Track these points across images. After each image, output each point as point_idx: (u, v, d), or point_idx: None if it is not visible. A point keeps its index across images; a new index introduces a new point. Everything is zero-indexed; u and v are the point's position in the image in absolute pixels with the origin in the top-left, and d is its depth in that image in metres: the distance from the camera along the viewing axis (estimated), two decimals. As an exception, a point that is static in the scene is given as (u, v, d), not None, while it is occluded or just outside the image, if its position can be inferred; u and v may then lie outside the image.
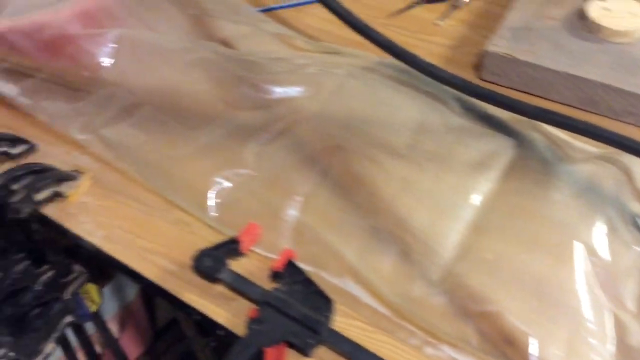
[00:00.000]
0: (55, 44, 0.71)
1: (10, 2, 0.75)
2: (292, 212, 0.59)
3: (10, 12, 0.74)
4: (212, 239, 0.60)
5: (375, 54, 0.75)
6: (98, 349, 0.98)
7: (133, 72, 0.70)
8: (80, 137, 0.68)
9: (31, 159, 0.68)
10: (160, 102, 0.68)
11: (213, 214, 0.61)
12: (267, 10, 0.93)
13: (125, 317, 1.06)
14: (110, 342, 0.95)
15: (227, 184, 0.62)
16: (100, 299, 0.77)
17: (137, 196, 0.64)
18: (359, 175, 0.60)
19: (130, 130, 0.68)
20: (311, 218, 0.59)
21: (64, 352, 0.92)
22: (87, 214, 0.63)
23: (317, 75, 0.69)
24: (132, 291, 1.08)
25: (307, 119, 0.65)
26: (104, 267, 0.75)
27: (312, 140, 0.64)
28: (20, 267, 0.73)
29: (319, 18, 0.91)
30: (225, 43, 0.80)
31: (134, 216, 0.62)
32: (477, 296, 0.52)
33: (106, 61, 0.70)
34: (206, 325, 0.54)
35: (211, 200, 0.61)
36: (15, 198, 0.58)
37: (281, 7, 0.94)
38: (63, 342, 0.93)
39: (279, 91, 0.68)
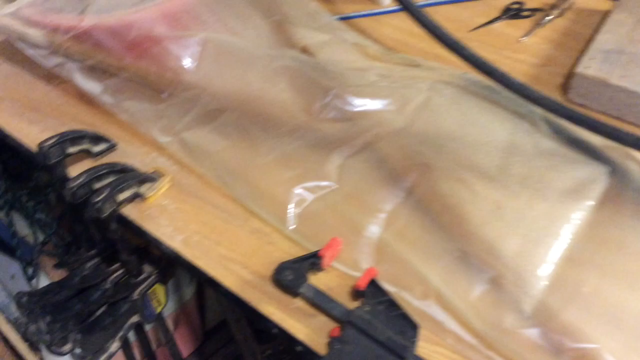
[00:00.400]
0: (140, 44, 0.71)
1: (89, 5, 0.76)
2: (374, 229, 0.58)
3: (96, 8, 0.75)
4: (290, 251, 0.59)
5: (455, 68, 0.73)
6: (153, 345, 0.99)
7: (216, 77, 0.69)
8: (161, 139, 0.68)
9: (111, 157, 0.68)
10: (242, 108, 0.68)
11: (292, 225, 0.60)
12: (345, 19, 0.92)
13: (181, 315, 1.06)
14: (169, 340, 0.96)
15: (307, 196, 0.61)
16: (166, 300, 0.77)
17: (215, 202, 0.64)
18: (446, 196, 0.58)
19: (211, 135, 0.67)
20: (394, 237, 0.57)
21: (122, 348, 0.93)
22: (166, 217, 0.62)
23: (401, 88, 0.67)
24: (189, 291, 1.08)
25: (391, 134, 0.64)
26: (168, 267, 0.74)
27: (396, 156, 0.62)
28: (92, 263, 0.73)
29: (397, 29, 0.90)
30: (306, 51, 0.79)
31: (212, 222, 0.62)
32: (573, 332, 0.49)
33: (190, 64, 0.70)
34: (263, 333, 0.53)
35: (291, 211, 0.60)
36: (97, 198, 0.58)
37: (359, 16, 0.92)
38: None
39: (363, 104, 0.67)
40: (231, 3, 0.79)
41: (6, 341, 0.91)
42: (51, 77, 0.77)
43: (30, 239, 1.05)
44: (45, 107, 0.76)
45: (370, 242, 0.58)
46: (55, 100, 0.77)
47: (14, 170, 0.99)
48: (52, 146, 0.62)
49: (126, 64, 0.72)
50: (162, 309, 0.79)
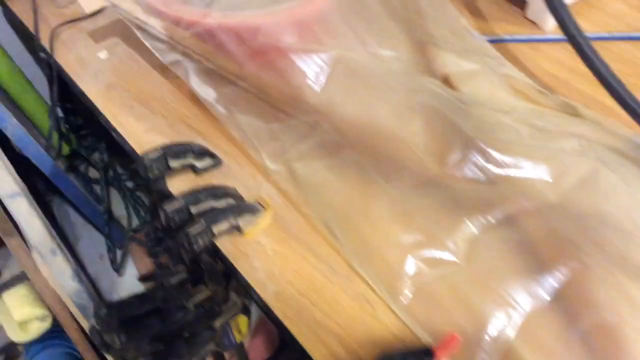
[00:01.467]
0: (265, 53, 0.63)
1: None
2: (503, 329, 0.47)
3: (221, 5, 0.67)
4: (396, 331, 0.50)
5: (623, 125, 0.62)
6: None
7: (342, 104, 0.60)
8: (270, 164, 0.61)
9: (215, 175, 0.62)
10: (366, 146, 0.59)
11: (403, 301, 0.50)
12: (497, 42, 0.79)
13: (258, 325, 1.01)
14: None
15: (426, 269, 0.51)
16: (247, 331, 0.70)
17: (318, 250, 0.56)
18: (602, 310, 0.46)
19: (325, 172, 0.59)
20: (528, 345, 0.46)
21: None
22: (261, 259, 0.55)
23: (562, 153, 0.55)
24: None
25: (541, 211, 0.52)
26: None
27: (544, 241, 0.51)
28: (177, 278, 0.68)
29: (557, 62, 0.76)
30: (448, 80, 0.68)
31: (311, 275, 0.54)
32: None
33: (316, 84, 0.61)
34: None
35: (403, 283, 0.51)
36: (193, 231, 0.52)
37: (513, 41, 0.79)
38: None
39: (510, 165, 0.55)
40: (370, 15, 0.69)
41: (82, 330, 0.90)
42: (167, 69, 0.71)
43: (123, 222, 1.03)
44: (155, 103, 0.70)
45: (496, 347, 0.47)
46: (167, 96, 0.71)
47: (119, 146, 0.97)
48: (154, 160, 0.56)
49: (246, 72, 0.64)
50: (243, 339, 0.73)
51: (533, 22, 0.83)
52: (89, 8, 0.67)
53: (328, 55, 0.63)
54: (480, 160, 0.57)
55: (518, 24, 0.84)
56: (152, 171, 0.59)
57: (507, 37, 0.81)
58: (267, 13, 0.66)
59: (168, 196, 0.60)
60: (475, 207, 0.56)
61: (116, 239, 1.01)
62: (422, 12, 0.73)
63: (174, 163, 0.61)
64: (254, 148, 0.64)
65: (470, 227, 0.55)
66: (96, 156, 1.07)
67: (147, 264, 1.02)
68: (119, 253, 1.03)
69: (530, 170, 0.56)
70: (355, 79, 0.64)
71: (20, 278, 0.75)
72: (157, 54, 0.67)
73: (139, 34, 0.67)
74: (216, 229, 0.56)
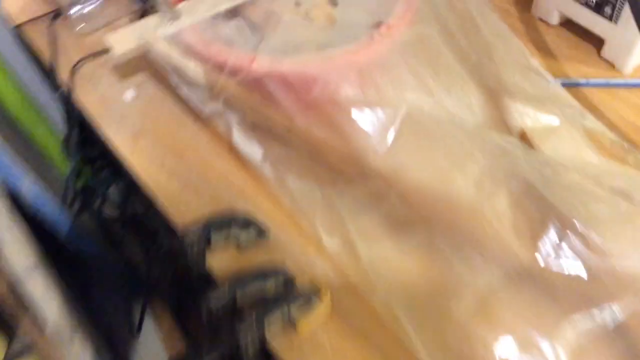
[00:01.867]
0: (321, 106, 0.55)
1: (267, 35, 0.59)
2: None
3: (270, 47, 0.58)
4: None
5: None
6: None
7: (412, 170, 0.52)
8: (326, 239, 0.52)
9: (260, 249, 0.56)
10: (442, 222, 0.50)
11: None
12: (570, 85, 0.70)
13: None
14: None
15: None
16: None
17: (385, 348, 0.49)
18: None
19: (395, 253, 0.51)
20: None
21: None
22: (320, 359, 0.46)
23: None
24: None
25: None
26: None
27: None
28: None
29: (638, 109, 0.67)
30: (525, 137, 0.59)
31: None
32: None
33: (381, 145, 0.52)
34: None
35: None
36: (243, 329, 0.43)
37: (588, 85, 0.70)
38: None
39: (616, 253, 0.46)
40: (436, 59, 0.61)
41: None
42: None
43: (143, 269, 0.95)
44: (191, 156, 0.62)
45: None
46: (204, 148, 0.63)
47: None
48: (195, 238, 0.48)
49: (298, 128, 0.56)
50: None
51: (610, 63, 0.74)
52: (119, 50, 0.58)
53: (395, 110, 0.55)
54: (579, 245, 0.48)
55: (593, 64, 0.75)
56: (192, 250, 0.50)
57: (581, 80, 0.72)
58: (323, 58, 0.58)
59: (207, 278, 0.52)
60: (576, 305, 0.47)
61: (134, 289, 0.93)
62: (492, 54, 0.65)
63: (216, 237, 0.52)
64: (306, 217, 0.56)
65: (572, 330, 0.46)
66: (113, 192, 0.99)
67: (170, 325, 0.92)
68: (137, 308, 0.94)
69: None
70: (427, 140, 0.55)
71: (31, 348, 0.67)
72: (194, 102, 0.59)
73: (174, 79, 0.59)
74: (267, 323, 0.47)
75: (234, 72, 0.59)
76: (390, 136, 0.55)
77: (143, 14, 0.79)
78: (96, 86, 0.72)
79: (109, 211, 1.04)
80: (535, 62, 0.71)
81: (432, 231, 0.53)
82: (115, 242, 1.03)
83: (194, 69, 0.59)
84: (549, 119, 0.63)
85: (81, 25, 0.77)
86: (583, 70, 0.75)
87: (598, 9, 0.72)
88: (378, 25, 0.63)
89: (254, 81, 0.58)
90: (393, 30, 0.62)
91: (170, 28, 0.61)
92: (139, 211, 1.02)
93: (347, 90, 0.57)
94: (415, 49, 0.61)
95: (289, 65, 0.58)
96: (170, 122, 0.67)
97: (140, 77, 0.72)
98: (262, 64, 0.58)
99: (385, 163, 0.55)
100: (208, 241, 0.53)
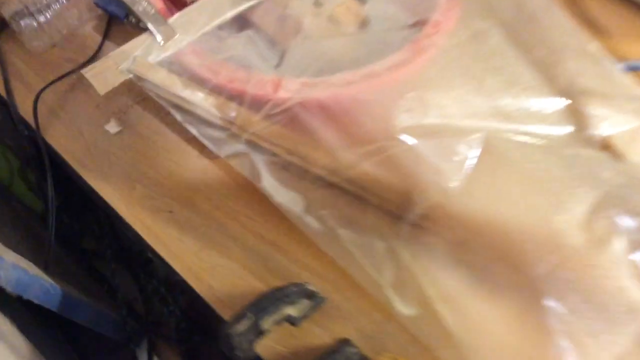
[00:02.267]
0: (371, 137, 0.43)
1: (289, 48, 0.47)
2: None
3: (293, 65, 0.46)
4: None
5: None
6: None
7: (497, 210, 0.41)
8: (396, 301, 0.42)
9: (317, 321, 0.45)
10: (544, 275, 0.40)
11: None
12: (633, 70, 0.60)
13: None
14: None
15: None
16: None
17: None
18: None
19: (487, 315, 0.40)
20: None
21: None
22: None
23: None
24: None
25: None
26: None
27: None
28: None
29: None
30: (608, 145, 0.49)
31: None
32: None
33: (455, 182, 0.41)
34: None
35: None
36: None
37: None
38: None
39: None
40: (494, 57, 0.49)
41: None
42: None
43: (138, 307, 0.82)
44: (202, 200, 0.51)
45: None
46: (217, 188, 0.52)
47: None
48: (243, 333, 0.36)
49: (345, 166, 0.44)
50: None
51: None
52: (103, 89, 0.45)
53: (467, 135, 0.44)
54: None
55: (648, 40, 0.65)
56: (241, 347, 0.39)
57: (641, 62, 0.62)
58: (365, 76, 0.46)
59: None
60: None
61: (134, 333, 0.81)
62: (554, 45, 0.54)
63: (266, 324, 0.41)
64: (367, 277, 0.45)
65: None
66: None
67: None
68: (140, 354, 0.82)
69: None
70: (511, 171, 0.45)
71: None
72: (208, 145, 0.46)
73: (179, 116, 0.46)
74: None
75: (255, 103, 0.46)
76: (466, 169, 0.44)
77: (109, 21, 0.64)
78: (69, 120, 0.58)
79: (90, 245, 0.91)
80: (594, 46, 0.60)
81: (534, 288, 0.43)
82: (105, 280, 0.90)
83: (202, 102, 0.46)
84: (630, 120, 0.53)
85: (36, 42, 0.62)
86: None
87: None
88: (420, 23, 0.51)
89: (282, 112, 0.45)
90: (441, 28, 0.50)
91: (164, 50, 0.47)
92: (124, 239, 0.89)
93: (402, 113, 0.45)
94: (471, 50, 0.50)
95: (323, 89, 0.46)
96: (168, 157, 0.55)
97: (121, 102, 0.58)
98: (289, 88, 0.46)
99: (462, 203, 0.45)
100: (258, 329, 0.42)
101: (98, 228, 0.88)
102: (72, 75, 0.61)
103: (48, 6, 0.63)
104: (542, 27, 0.56)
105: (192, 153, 0.56)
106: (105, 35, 0.65)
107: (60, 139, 0.57)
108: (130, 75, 0.47)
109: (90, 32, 0.66)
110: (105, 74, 0.46)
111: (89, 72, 0.46)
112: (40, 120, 0.58)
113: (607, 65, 0.59)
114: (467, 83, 0.49)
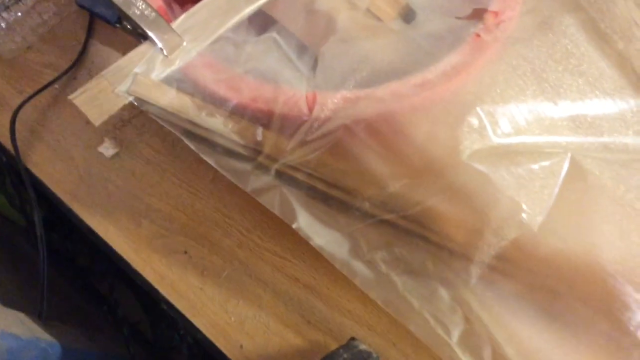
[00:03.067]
0: (430, 162, 0.35)
1: (322, 53, 0.39)
2: None
3: (328, 75, 0.38)
4: None
5: None
6: None
7: (591, 249, 0.34)
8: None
9: None
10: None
11: None
12: None
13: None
14: None
15: None
16: None
17: None
18: None
19: None
20: None
21: None
22: None
23: None
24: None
25: None
26: None
27: None
28: None
29: None
30: None
31: None
32: None
33: (536, 215, 0.34)
34: None
35: None
36: None
37: None
38: None
39: None
40: (569, 51, 0.41)
41: None
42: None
43: (146, 330, 0.74)
44: (227, 242, 0.43)
45: None
46: (238, 220, 0.43)
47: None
48: None
49: (398, 199, 0.36)
50: None
51: None
52: (99, 119, 0.36)
53: (548, 156, 0.36)
54: None
55: None
56: None
57: None
58: (418, 86, 0.38)
59: None
60: None
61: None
62: (633, 30, 0.45)
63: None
64: (427, 329, 0.37)
65: None
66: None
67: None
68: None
69: None
70: (600, 196, 0.37)
71: None
72: (230, 178, 0.38)
73: (192, 145, 0.37)
74: None
75: (286, 125, 0.38)
76: (549, 198, 0.37)
77: (92, 18, 0.54)
78: (55, 141, 0.49)
79: (85, 261, 0.83)
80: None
81: (636, 342, 0.35)
82: (102, 297, 0.82)
83: (221, 128, 0.37)
84: None
85: (7, 46, 0.52)
86: None
87: None
88: (477, 13, 0.42)
89: (321, 137, 0.37)
90: (504, 18, 0.41)
91: (170, 63, 0.38)
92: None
93: (467, 133, 0.37)
94: (542, 45, 0.41)
95: (368, 106, 0.38)
96: (180, 187, 0.46)
97: (118, 116, 0.49)
98: (327, 106, 0.37)
99: (546, 240, 0.37)
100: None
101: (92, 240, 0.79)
102: (54, 85, 0.51)
103: (17, 0, 0.52)
104: (614, 3, 0.47)
105: (206, 176, 0.48)
106: (89, 33, 0.56)
107: (46, 166, 0.49)
108: (131, 98, 0.37)
109: (71, 29, 0.56)
110: (99, 99, 0.37)
111: (78, 98, 0.37)
112: (19, 144, 0.48)
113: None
114: (542, 88, 0.41)
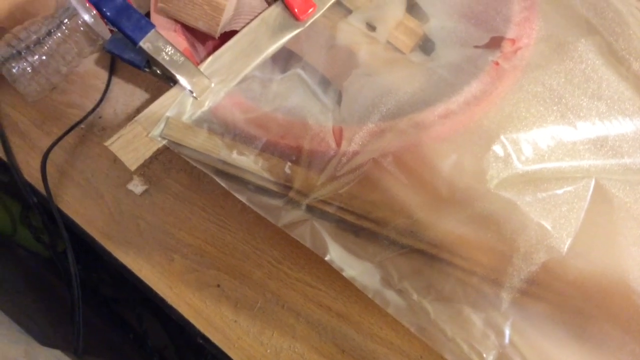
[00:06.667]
0: (456, 192, 0.37)
1: (346, 88, 0.41)
2: None
3: (354, 109, 0.40)
4: None
5: None
6: None
7: (619, 273, 0.35)
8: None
9: None
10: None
11: None
12: None
13: None
14: None
15: None
16: None
17: None
18: None
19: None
20: None
21: None
22: None
23: None
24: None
25: None
26: None
27: None
28: None
29: None
30: None
31: None
32: None
33: (563, 241, 0.35)
34: None
35: None
36: None
37: None
38: None
39: None
40: (586, 75, 0.42)
41: None
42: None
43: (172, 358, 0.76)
44: (258, 274, 0.45)
45: None
46: (269, 252, 0.46)
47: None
48: None
49: (429, 229, 0.37)
50: None
51: None
52: (134, 163, 0.38)
53: (577, 185, 0.37)
54: None
55: None
56: None
57: None
58: (440, 117, 0.40)
59: None
60: None
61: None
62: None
63: None
64: (462, 355, 0.38)
65: None
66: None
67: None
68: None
69: None
70: (627, 217, 0.38)
71: None
72: (263, 214, 0.39)
73: (224, 183, 0.39)
74: None
75: (316, 160, 0.39)
76: (577, 222, 0.38)
77: (114, 57, 0.56)
78: (85, 180, 0.51)
79: (109, 291, 0.84)
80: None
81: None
82: (129, 327, 0.84)
83: (252, 166, 0.39)
84: None
85: (32, 88, 0.54)
86: None
87: None
88: (494, 41, 0.44)
89: (350, 171, 0.39)
90: (521, 45, 0.43)
91: (200, 105, 0.40)
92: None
93: (492, 162, 0.39)
94: (560, 70, 0.43)
95: (394, 138, 0.39)
96: (209, 220, 0.48)
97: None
98: (355, 140, 0.39)
99: (576, 263, 0.38)
100: None
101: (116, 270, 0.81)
102: (81, 125, 0.53)
103: (40, 43, 0.55)
104: (627, 25, 0.49)
105: (234, 208, 0.50)
106: (112, 71, 0.58)
107: (77, 205, 0.50)
108: (164, 142, 0.39)
109: (93, 68, 0.58)
110: (134, 144, 0.39)
111: (114, 144, 0.39)
112: (50, 185, 0.50)
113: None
114: (562, 113, 0.42)
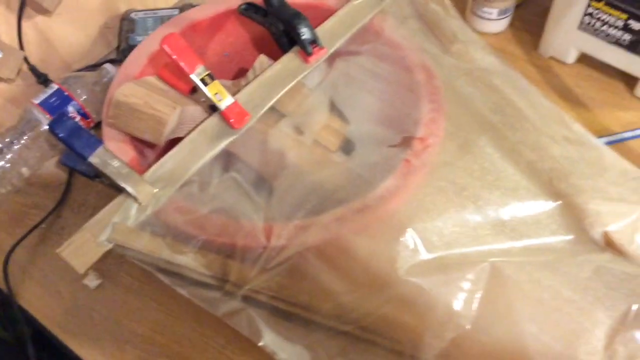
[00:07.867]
0: (376, 278, 0.42)
1: (277, 186, 0.47)
2: None
3: (284, 207, 0.46)
4: None
5: None
6: None
7: (518, 341, 0.40)
8: None
9: None
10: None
11: None
12: (616, 143, 0.61)
13: None
14: None
15: None
16: None
17: None
18: None
19: None
20: None
21: None
22: None
23: None
24: None
25: None
26: None
27: None
28: None
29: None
30: (611, 245, 0.49)
31: None
32: None
33: (466, 317, 0.41)
34: None
35: None
36: None
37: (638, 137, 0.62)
38: None
39: None
40: (483, 166, 0.49)
41: None
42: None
43: None
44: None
45: None
46: (215, 339, 0.50)
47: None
48: None
49: (353, 311, 0.43)
50: None
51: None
52: (82, 266, 0.43)
53: (476, 269, 0.43)
54: None
55: (628, 107, 0.66)
56: None
57: (627, 134, 0.63)
58: (359, 210, 0.46)
59: None
60: None
61: None
62: (540, 139, 0.54)
63: None
64: None
65: None
66: None
67: None
68: None
69: None
70: (519, 296, 0.44)
71: None
72: (203, 306, 0.44)
73: (167, 280, 0.44)
74: None
75: (248, 255, 0.45)
76: (477, 302, 0.44)
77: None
78: (44, 278, 0.56)
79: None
80: (577, 127, 0.60)
81: None
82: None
83: (191, 263, 0.44)
84: (625, 209, 0.53)
85: (-3, 191, 0.59)
86: (620, 116, 0.66)
87: (633, 47, 0.63)
88: (406, 141, 0.51)
89: (279, 264, 0.44)
90: (429, 144, 0.50)
91: (144, 210, 0.45)
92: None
93: (403, 251, 0.44)
94: (463, 165, 0.49)
95: (318, 232, 0.45)
96: (159, 310, 0.52)
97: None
98: (283, 235, 0.45)
99: (479, 338, 0.43)
100: None
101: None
102: (41, 225, 0.58)
103: (6, 149, 0.60)
104: (526, 119, 0.56)
105: (182, 298, 0.54)
106: (71, 173, 0.63)
107: (37, 302, 0.55)
108: (111, 245, 0.45)
109: (54, 170, 0.64)
110: (83, 249, 0.44)
111: (65, 250, 0.44)
112: (11, 284, 0.55)
113: (593, 145, 0.59)
114: (463, 205, 0.49)
